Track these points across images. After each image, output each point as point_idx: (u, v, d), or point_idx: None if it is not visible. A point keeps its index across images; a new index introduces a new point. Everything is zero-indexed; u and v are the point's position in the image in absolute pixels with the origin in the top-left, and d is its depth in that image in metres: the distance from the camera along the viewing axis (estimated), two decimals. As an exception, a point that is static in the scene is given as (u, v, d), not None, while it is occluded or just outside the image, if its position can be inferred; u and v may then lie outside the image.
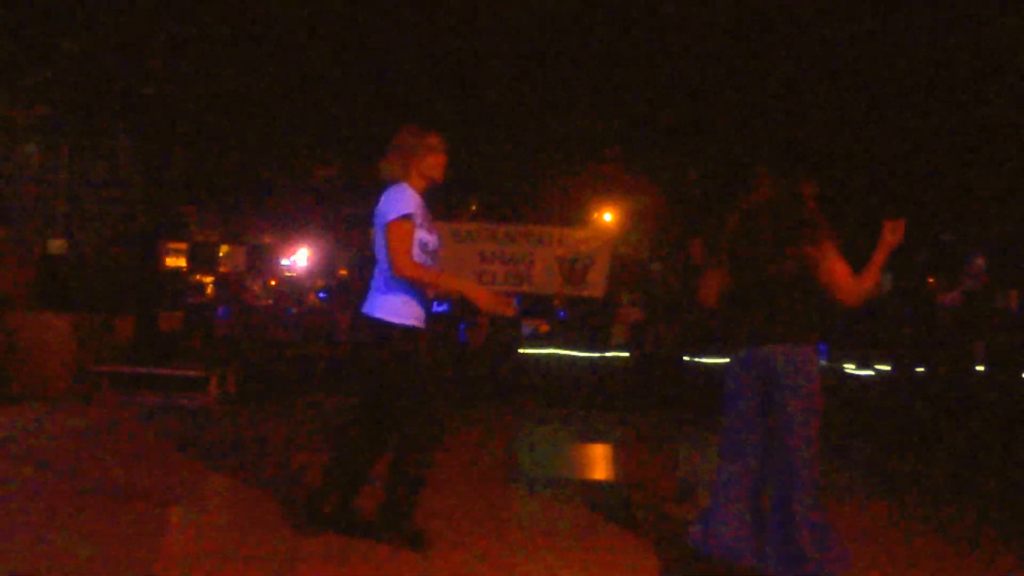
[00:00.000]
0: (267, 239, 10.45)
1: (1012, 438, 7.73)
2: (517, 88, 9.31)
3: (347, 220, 9.99)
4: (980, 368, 8.86)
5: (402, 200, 3.65)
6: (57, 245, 9.25)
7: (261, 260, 10.21)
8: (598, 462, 6.79)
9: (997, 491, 5.94)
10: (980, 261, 9.01)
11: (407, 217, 3.61)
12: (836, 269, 3.34)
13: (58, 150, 9.32)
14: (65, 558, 3.44)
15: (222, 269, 10.39)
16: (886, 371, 9.47)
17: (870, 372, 9.56)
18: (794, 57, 8.23)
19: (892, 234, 3.42)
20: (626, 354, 9.79)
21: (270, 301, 10.88)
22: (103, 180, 9.44)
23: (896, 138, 8.87)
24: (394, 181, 3.73)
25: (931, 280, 9.44)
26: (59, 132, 9.21)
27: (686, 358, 9.33)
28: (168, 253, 10.28)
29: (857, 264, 3.42)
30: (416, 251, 3.66)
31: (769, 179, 3.56)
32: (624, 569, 3.66)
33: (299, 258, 12.11)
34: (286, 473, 5.29)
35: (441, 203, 10.60)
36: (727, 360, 3.53)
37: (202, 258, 10.18)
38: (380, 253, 3.73)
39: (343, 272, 10.52)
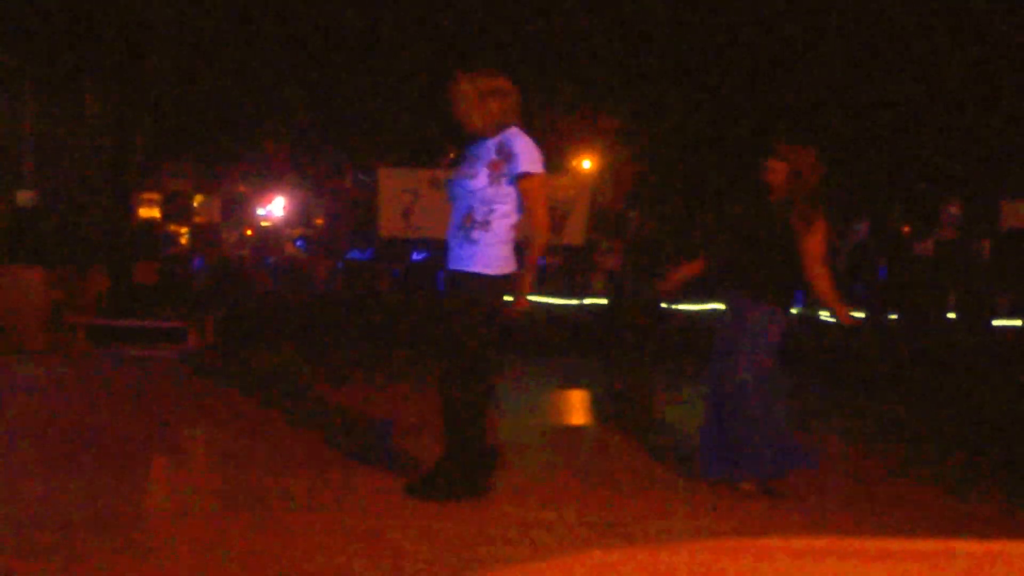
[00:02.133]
0: (242, 188, 10.29)
1: (981, 385, 7.91)
2: (497, 32, 9.16)
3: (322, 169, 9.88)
4: (951, 316, 9.03)
5: (537, 153, 3.65)
6: (26, 197, 9.06)
7: (237, 210, 10.09)
8: (577, 407, 6.87)
9: (966, 436, 6.10)
10: (954, 210, 9.11)
11: (544, 173, 3.68)
12: (810, 250, 3.83)
13: (23, 100, 9.07)
14: (45, 510, 3.45)
15: (197, 219, 10.26)
16: (860, 318, 9.62)
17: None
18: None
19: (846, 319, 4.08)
20: (604, 301, 9.85)
21: (246, 251, 10.78)
22: (70, 130, 9.23)
23: (874, 89, 8.87)
24: (500, 127, 3.66)
25: (906, 229, 9.53)
26: (22, 81, 8.95)
27: (664, 305, 9.40)
28: (141, 203, 10.12)
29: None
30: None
31: (789, 152, 3.91)
32: (616, 506, 3.73)
33: (275, 207, 11.97)
34: (264, 421, 5.31)
35: (419, 150, 10.50)
36: (780, 313, 4.00)
37: (176, 208, 10.03)
38: (501, 203, 3.63)
39: (319, 221, 10.43)
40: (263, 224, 10.87)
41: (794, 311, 4.20)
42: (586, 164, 11.67)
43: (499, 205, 3.63)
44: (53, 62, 8.93)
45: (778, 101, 9.30)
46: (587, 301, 9.85)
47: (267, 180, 10.19)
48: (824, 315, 9.71)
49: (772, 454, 3.83)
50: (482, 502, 3.77)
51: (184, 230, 10.41)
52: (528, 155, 3.62)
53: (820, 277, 3.92)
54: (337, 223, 10.05)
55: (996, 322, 9.16)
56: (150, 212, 10.23)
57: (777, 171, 3.89)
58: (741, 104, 9.33)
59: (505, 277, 3.66)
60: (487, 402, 3.73)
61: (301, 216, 10.43)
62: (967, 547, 1.20)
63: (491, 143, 3.67)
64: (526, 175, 3.60)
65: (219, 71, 9.28)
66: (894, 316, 9.42)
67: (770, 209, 3.97)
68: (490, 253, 3.63)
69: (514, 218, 3.69)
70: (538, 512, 3.68)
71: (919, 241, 9.31)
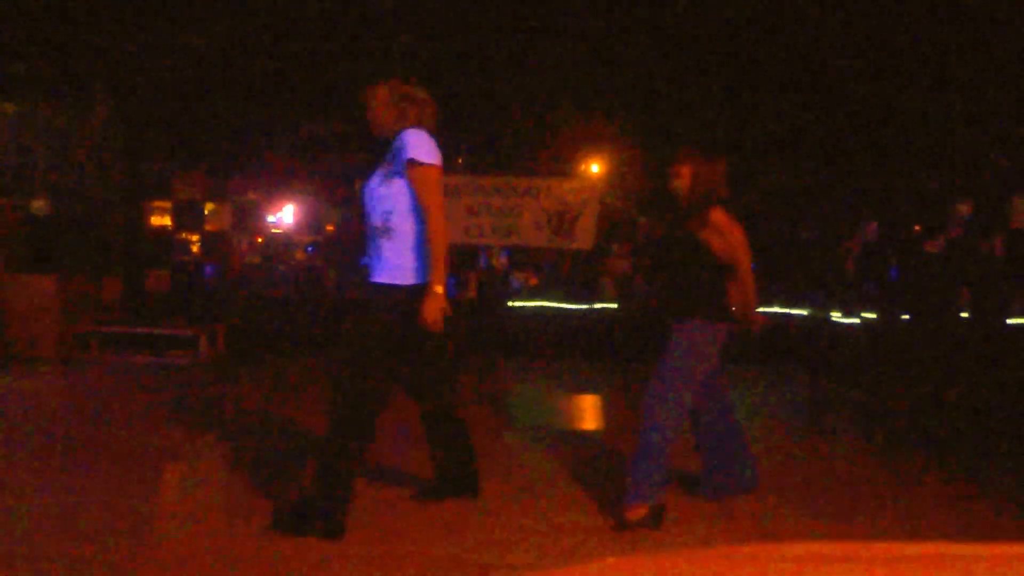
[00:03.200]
0: (253, 196, 10.34)
1: (996, 385, 7.85)
2: (504, 38, 9.17)
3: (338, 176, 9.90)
4: (965, 314, 8.95)
5: (431, 146, 3.36)
6: (40, 206, 9.14)
7: (247, 217, 10.14)
8: (586, 412, 6.87)
9: (979, 438, 6.05)
10: (965, 208, 9.04)
11: (439, 166, 3.36)
12: (714, 244, 3.67)
13: (36, 109, 9.15)
14: (57, 517, 3.47)
15: (208, 227, 10.31)
16: (872, 319, 9.57)
17: (856, 320, 9.65)
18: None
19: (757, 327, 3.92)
20: (614, 306, 9.84)
21: (257, 259, 10.82)
22: (82, 139, 9.30)
23: (881, 87, 8.82)
24: (398, 129, 3.45)
25: (916, 228, 9.48)
26: (35, 90, 9.03)
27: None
28: (153, 212, 10.18)
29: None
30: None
31: (690, 158, 3.81)
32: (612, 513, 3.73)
33: (285, 214, 12.03)
34: (276, 429, 5.33)
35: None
36: (693, 327, 3.74)
37: (187, 216, 10.09)
38: (394, 203, 3.37)
39: (330, 228, 10.46)
40: (274, 231, 10.90)
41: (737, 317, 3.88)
42: (595, 168, 11.65)
43: (397, 205, 3.35)
44: (65, 71, 9.00)
45: (786, 104, 9.27)
46: (597, 306, 9.84)
47: (277, 188, 10.24)
48: (835, 316, 9.67)
49: (662, 478, 3.59)
50: (488, 507, 3.78)
51: (195, 238, 10.47)
52: (417, 144, 3.33)
53: (736, 280, 3.76)
54: (347, 230, 10.09)
55: (1011, 320, 9.09)
56: (162, 220, 10.29)
57: (683, 176, 3.78)
58: (751, 108, 9.31)
59: (415, 288, 3.30)
60: (367, 437, 3.35)
61: (312, 223, 10.47)
62: (972, 550, 1.20)
63: (394, 145, 3.45)
64: (412, 161, 3.29)
65: (228, 83, 9.32)
66: (906, 316, 9.36)
67: (676, 217, 3.87)
68: (394, 262, 3.34)
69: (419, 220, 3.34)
70: (542, 517, 3.68)
71: (930, 240, 9.25)
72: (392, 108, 3.52)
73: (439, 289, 3.26)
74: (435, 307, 3.25)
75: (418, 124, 3.49)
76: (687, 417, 3.78)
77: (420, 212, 3.33)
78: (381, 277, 3.37)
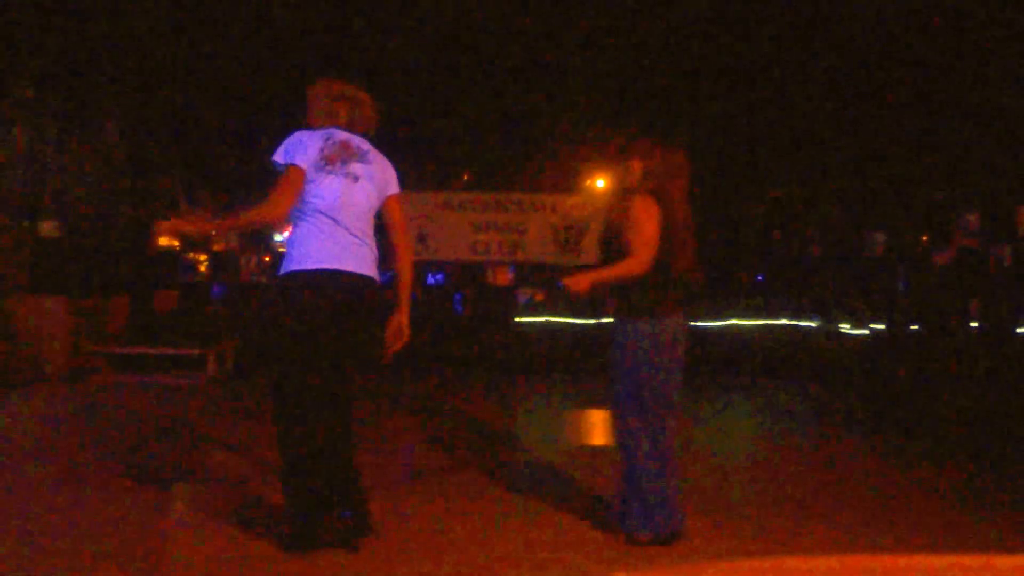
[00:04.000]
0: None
1: (1007, 395, 7.80)
2: (509, 56, 9.22)
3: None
4: (974, 324, 8.91)
5: (298, 144, 3.35)
6: (49, 228, 9.20)
7: (254, 237, 10.18)
8: (595, 427, 6.84)
9: (991, 451, 6.00)
10: (973, 219, 9.02)
11: (294, 165, 3.31)
12: (628, 231, 3.42)
13: (44, 131, 9.23)
14: (65, 537, 3.47)
15: (215, 247, 10.35)
16: (881, 330, 9.53)
17: (865, 331, 9.61)
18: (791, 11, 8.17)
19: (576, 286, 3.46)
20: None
21: (264, 278, 10.84)
22: (90, 160, 9.37)
23: (889, 100, 8.83)
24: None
25: (925, 239, 9.45)
26: (44, 113, 9.11)
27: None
28: (160, 232, 10.22)
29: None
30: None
31: (643, 150, 3.61)
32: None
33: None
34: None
35: (434, 173, 10.56)
36: (637, 327, 3.50)
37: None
38: None
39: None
40: (281, 250, 10.94)
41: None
42: (600, 183, 11.67)
43: (298, 201, 3.33)
44: (73, 93, 9.09)
45: (790, 113, 9.28)
46: (604, 321, 9.82)
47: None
48: (844, 327, 9.63)
49: (662, 499, 3.44)
50: (494, 522, 3.76)
51: (203, 258, 10.51)
52: (284, 145, 3.35)
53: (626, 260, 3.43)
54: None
55: (1021, 330, 9.04)
56: (169, 240, 10.34)
57: (634, 171, 3.57)
58: (754, 116, 9.32)
59: (313, 273, 3.24)
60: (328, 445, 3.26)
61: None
62: (989, 562, 1.19)
63: None
64: (273, 163, 3.36)
65: (233, 105, 9.39)
66: (915, 327, 9.32)
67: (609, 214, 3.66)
68: (290, 253, 3.33)
69: (320, 209, 3.30)
70: (549, 533, 3.65)
71: (938, 251, 9.23)
72: (322, 107, 3.50)
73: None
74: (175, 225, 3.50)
75: (349, 125, 3.49)
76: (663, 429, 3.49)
77: (294, 211, 3.33)
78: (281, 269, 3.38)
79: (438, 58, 9.11)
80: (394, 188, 3.56)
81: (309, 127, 3.49)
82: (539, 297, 10.95)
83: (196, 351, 8.53)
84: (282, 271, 3.32)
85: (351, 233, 3.34)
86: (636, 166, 3.58)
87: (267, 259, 10.96)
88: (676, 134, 9.25)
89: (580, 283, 3.44)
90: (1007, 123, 8.31)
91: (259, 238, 10.31)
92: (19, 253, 8.66)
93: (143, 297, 9.64)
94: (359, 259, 3.35)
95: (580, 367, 9.29)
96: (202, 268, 10.73)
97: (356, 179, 3.38)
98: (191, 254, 10.39)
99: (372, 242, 3.43)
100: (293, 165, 3.30)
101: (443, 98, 9.34)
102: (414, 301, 10.62)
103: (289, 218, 3.35)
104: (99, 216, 9.48)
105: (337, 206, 3.31)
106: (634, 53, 8.84)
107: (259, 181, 9.94)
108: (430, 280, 10.77)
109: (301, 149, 3.33)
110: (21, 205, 8.88)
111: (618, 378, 3.51)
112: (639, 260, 3.40)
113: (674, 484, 3.50)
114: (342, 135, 3.44)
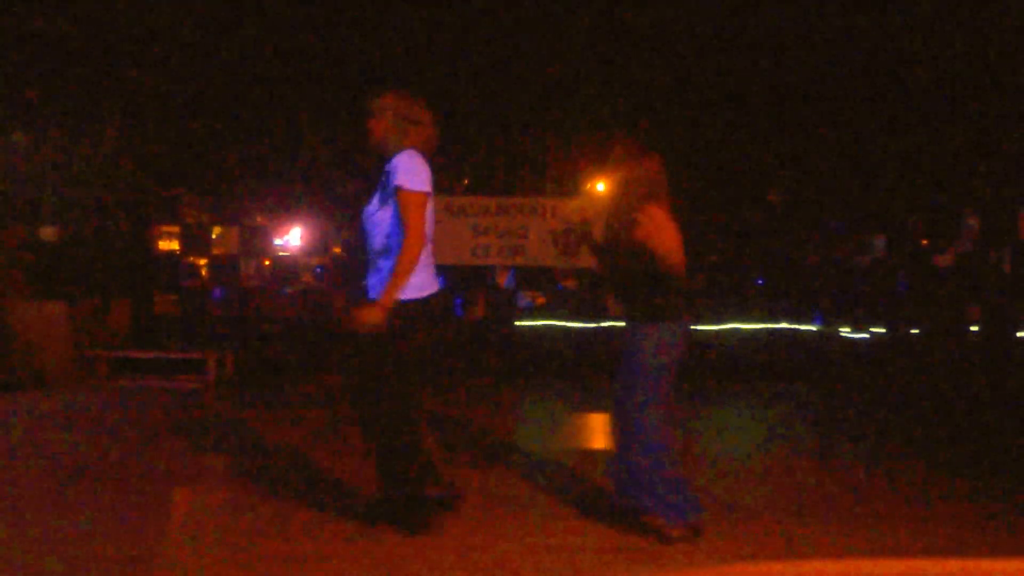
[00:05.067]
0: (260, 219, 10.39)
1: (1007, 399, 7.79)
2: (510, 60, 9.23)
3: (338, 199, 9.94)
4: (974, 328, 8.90)
5: (421, 170, 3.47)
6: (49, 232, 9.21)
7: (255, 241, 10.18)
8: (596, 431, 6.83)
9: (991, 453, 6.00)
10: (973, 223, 9.01)
11: (427, 194, 3.47)
12: (650, 233, 3.50)
13: (45, 135, 9.24)
14: (65, 540, 3.46)
15: (215, 251, 10.36)
16: (881, 333, 9.52)
17: (865, 335, 9.61)
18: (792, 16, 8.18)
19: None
20: (622, 324, 9.81)
21: (264, 282, 10.85)
22: (90, 164, 9.38)
23: (889, 104, 8.84)
24: (396, 149, 3.54)
25: (925, 243, 9.45)
26: (46, 118, 9.13)
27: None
28: (161, 236, 10.24)
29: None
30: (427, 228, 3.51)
31: (624, 158, 3.72)
32: (627, 535, 3.70)
33: (292, 238, 12.09)
34: (286, 452, 5.32)
35: (435, 178, 10.54)
36: (657, 330, 3.60)
37: (195, 240, 10.14)
38: (391, 226, 3.48)
39: (337, 250, 10.49)
40: (281, 254, 10.95)
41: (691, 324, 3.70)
42: (600, 187, 11.67)
43: (393, 228, 3.47)
44: (73, 97, 9.10)
45: (791, 118, 9.29)
46: (604, 324, 9.82)
47: (284, 211, 10.27)
48: (845, 331, 9.63)
49: (674, 487, 3.54)
50: (495, 526, 3.75)
51: (203, 262, 10.51)
52: (407, 170, 3.44)
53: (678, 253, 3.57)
54: (354, 252, 10.11)
55: (1021, 334, 9.03)
56: (169, 244, 10.34)
57: (616, 182, 3.71)
58: (757, 123, 9.33)
59: (417, 301, 3.44)
60: (413, 437, 3.49)
61: (319, 246, 10.50)
62: (988, 566, 1.19)
63: (389, 166, 3.55)
64: (399, 188, 3.42)
65: (233, 109, 9.40)
66: (916, 331, 9.31)
67: (613, 222, 3.78)
68: (413, 280, 3.44)
69: (428, 235, 3.50)
70: (550, 536, 3.65)
71: (938, 254, 9.22)
72: (394, 126, 3.56)
73: (386, 303, 3.37)
74: (372, 314, 3.36)
75: (417, 146, 3.55)
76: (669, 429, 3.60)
77: (396, 234, 3.46)
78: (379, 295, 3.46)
79: (438, 60, 9.13)
80: None
81: (373, 136, 3.59)
82: (540, 301, 10.95)
83: (197, 355, 8.53)
84: (409, 297, 3.43)
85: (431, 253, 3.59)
86: (620, 176, 3.71)
87: (267, 263, 10.98)
88: (675, 136, 9.28)
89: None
90: (1007, 125, 8.32)
91: (259, 243, 10.31)
92: (20, 257, 8.67)
93: (144, 300, 9.64)
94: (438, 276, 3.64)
95: (581, 370, 9.28)
96: (202, 272, 10.74)
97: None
98: (191, 258, 10.39)
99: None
100: (425, 192, 3.47)
101: (441, 101, 9.33)
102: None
103: (381, 245, 3.52)
104: (99, 220, 9.48)
105: (432, 230, 3.56)
106: (634, 58, 8.85)
107: (259, 180, 9.99)
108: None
109: (426, 176, 3.49)
110: (22, 209, 8.90)
111: (630, 379, 3.60)
112: (675, 263, 3.55)
113: (683, 474, 3.63)
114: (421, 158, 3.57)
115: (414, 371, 3.48)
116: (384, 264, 3.50)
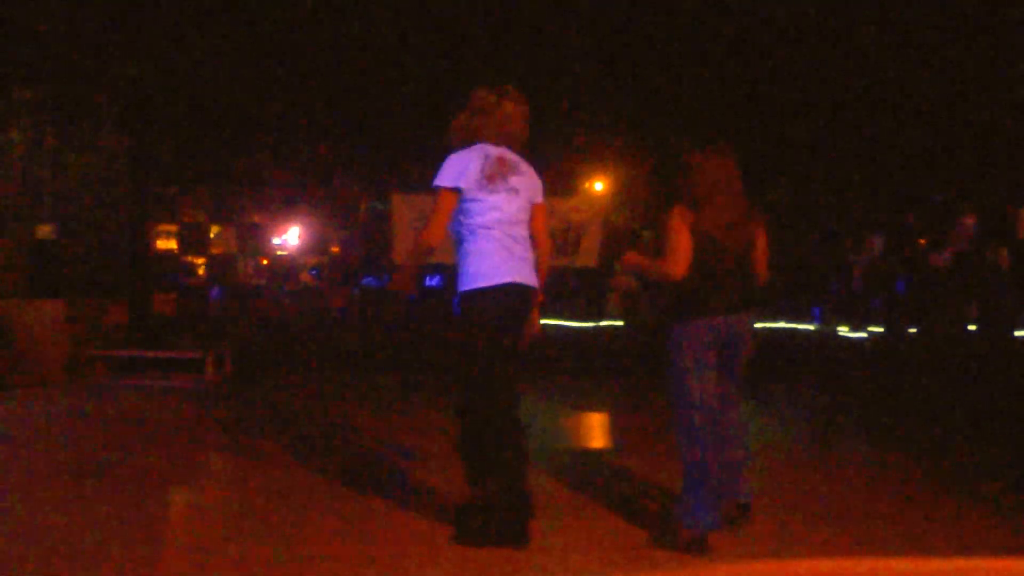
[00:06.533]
0: (257, 218, 10.38)
1: (1007, 397, 7.81)
2: (507, 57, 9.23)
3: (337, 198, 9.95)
4: (972, 327, 8.92)
5: (458, 166, 3.47)
6: (46, 231, 9.20)
7: (252, 240, 10.17)
8: (596, 431, 6.84)
9: (988, 450, 6.01)
10: (969, 221, 9.03)
11: (450, 188, 3.46)
12: (762, 247, 3.72)
13: (42, 133, 9.23)
14: (65, 540, 3.46)
15: (213, 250, 10.35)
16: (879, 332, 9.54)
17: (863, 334, 9.63)
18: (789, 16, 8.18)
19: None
20: (620, 323, 9.83)
21: (262, 281, 10.85)
22: (88, 163, 9.37)
23: (885, 103, 8.85)
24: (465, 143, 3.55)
25: (922, 241, 9.47)
26: (43, 116, 9.11)
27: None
28: (158, 235, 10.23)
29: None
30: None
31: (713, 159, 3.63)
32: (624, 535, 3.70)
33: (290, 237, 12.09)
34: (285, 450, 5.32)
35: (429, 176, 10.55)
36: (681, 328, 3.57)
37: (192, 239, 10.13)
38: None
39: (335, 249, 10.49)
40: (279, 253, 10.95)
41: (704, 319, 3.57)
42: (599, 186, 11.71)
43: (463, 218, 3.51)
44: (71, 96, 9.09)
45: (789, 116, 9.30)
46: (603, 323, 9.83)
47: (282, 210, 10.28)
48: (843, 330, 9.64)
49: (701, 497, 3.44)
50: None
51: (201, 261, 10.51)
52: (443, 168, 3.50)
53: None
54: (351, 251, 10.10)
55: (1019, 332, 9.06)
56: (167, 243, 10.34)
57: (681, 177, 3.66)
58: (754, 119, 9.34)
59: (497, 288, 3.42)
60: (509, 433, 3.43)
61: (317, 245, 10.50)
62: (987, 565, 1.19)
63: None
64: (434, 187, 3.50)
65: (231, 108, 9.40)
66: (914, 330, 9.33)
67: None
68: (470, 270, 3.48)
69: (489, 225, 3.47)
70: (550, 537, 3.65)
71: (936, 253, 9.24)
72: (469, 120, 3.59)
73: (404, 265, 3.79)
74: (397, 277, 3.75)
75: (493, 140, 3.54)
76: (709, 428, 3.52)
77: (457, 227, 3.53)
78: (463, 285, 3.52)
79: (436, 61, 9.12)
80: (540, 197, 3.68)
81: (468, 129, 3.58)
82: (539, 299, 10.96)
83: (195, 354, 8.52)
84: (466, 287, 3.46)
85: (520, 245, 3.53)
86: (685, 171, 3.65)
87: (264, 262, 10.98)
88: (676, 136, 9.27)
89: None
90: (1005, 126, 8.33)
91: (257, 242, 10.30)
92: (17, 256, 8.66)
93: (141, 299, 9.63)
94: (528, 270, 3.56)
95: (580, 370, 9.29)
96: (200, 271, 10.74)
97: (517, 192, 3.53)
98: (189, 257, 10.39)
99: (531, 251, 3.61)
100: (445, 188, 3.47)
101: (439, 99, 9.34)
102: (412, 303, 10.62)
103: (453, 236, 3.56)
104: (97, 218, 9.47)
105: (506, 221, 3.49)
106: (634, 59, 8.86)
107: (258, 181, 9.99)
108: (428, 283, 10.76)
109: (457, 171, 3.46)
110: (19, 208, 8.89)
111: (665, 380, 3.61)
112: (668, 273, 3.55)
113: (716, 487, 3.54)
114: (496, 150, 3.54)
115: (489, 363, 3.42)
116: (461, 253, 3.54)
